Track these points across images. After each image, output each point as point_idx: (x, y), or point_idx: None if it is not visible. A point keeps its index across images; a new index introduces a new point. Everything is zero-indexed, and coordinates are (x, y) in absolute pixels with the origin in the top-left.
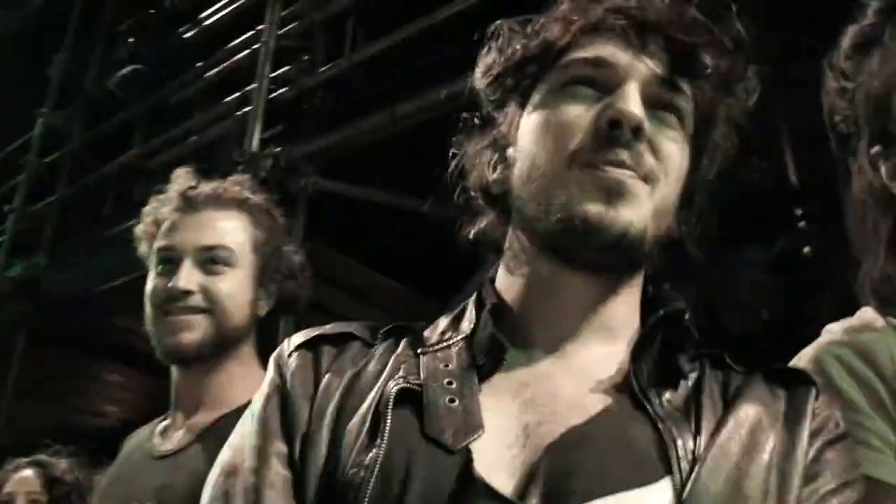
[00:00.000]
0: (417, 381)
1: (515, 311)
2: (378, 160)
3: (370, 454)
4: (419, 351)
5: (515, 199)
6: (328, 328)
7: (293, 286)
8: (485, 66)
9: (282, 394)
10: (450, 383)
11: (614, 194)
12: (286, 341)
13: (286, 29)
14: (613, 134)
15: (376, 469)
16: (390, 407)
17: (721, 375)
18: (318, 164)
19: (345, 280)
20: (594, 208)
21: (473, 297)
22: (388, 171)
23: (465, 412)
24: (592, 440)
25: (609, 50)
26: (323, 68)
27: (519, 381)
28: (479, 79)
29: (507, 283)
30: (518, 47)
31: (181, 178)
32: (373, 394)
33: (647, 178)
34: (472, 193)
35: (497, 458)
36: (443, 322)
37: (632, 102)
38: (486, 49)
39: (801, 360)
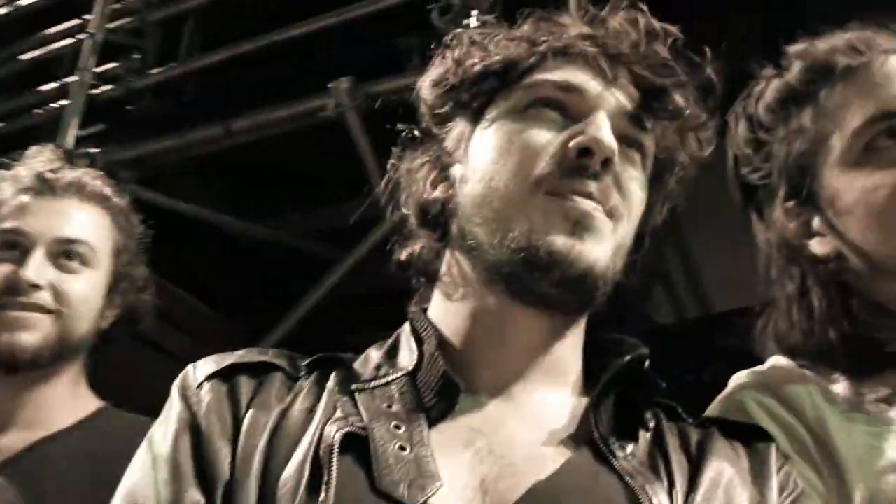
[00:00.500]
0: (361, 425)
1: (457, 347)
2: (202, 176)
3: None
4: (353, 387)
5: (464, 222)
6: (241, 355)
7: (141, 301)
8: (437, 75)
9: (194, 432)
10: (397, 427)
11: (581, 227)
12: (190, 369)
13: (117, 23)
14: (582, 163)
15: None
16: (335, 455)
17: (676, 427)
18: (137, 172)
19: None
20: (560, 240)
21: (408, 329)
22: (210, 188)
23: (417, 462)
24: (561, 497)
25: (579, 76)
26: (154, 70)
27: (469, 427)
28: (427, 88)
29: (444, 314)
30: (477, 60)
31: (41, 158)
32: (308, 437)
33: (612, 214)
34: (406, 212)
35: None
36: (374, 355)
37: (605, 132)
38: (440, 58)
39: (722, 405)
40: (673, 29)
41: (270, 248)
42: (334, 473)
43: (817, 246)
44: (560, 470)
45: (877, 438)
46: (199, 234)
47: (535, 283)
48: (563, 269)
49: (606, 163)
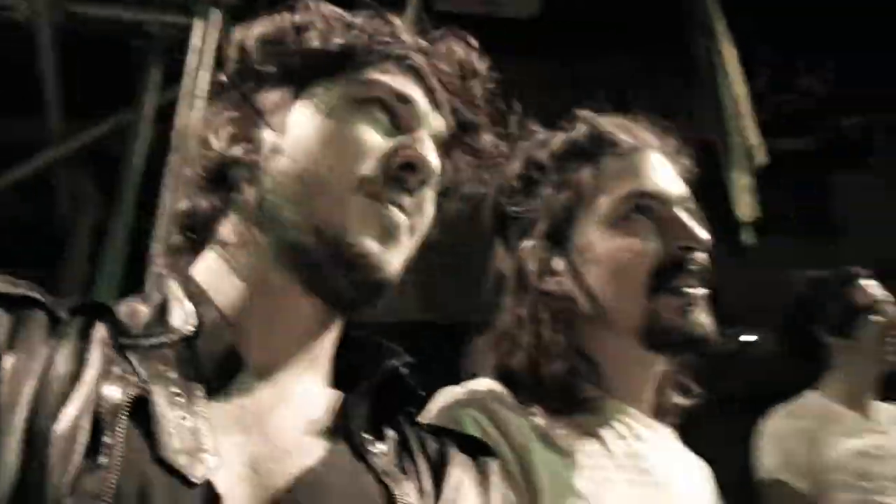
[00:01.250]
0: (143, 386)
1: (231, 319)
2: None
3: (93, 478)
4: (124, 342)
5: (267, 194)
6: None
7: None
8: (270, 32)
9: None
10: (177, 394)
11: (389, 237)
12: None
13: None
14: (403, 176)
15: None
16: (124, 417)
17: (416, 433)
18: None
19: None
20: (373, 246)
21: (175, 288)
22: None
23: (195, 434)
24: (327, 488)
25: (414, 90)
26: None
27: (238, 405)
28: (252, 38)
29: (219, 281)
30: (317, 35)
31: None
32: (82, 393)
33: (411, 229)
34: (194, 161)
35: (232, 493)
36: (142, 310)
37: (433, 154)
38: (276, 14)
39: (437, 418)
40: (494, 71)
41: None
42: (118, 437)
43: (554, 284)
44: (323, 460)
45: (566, 469)
46: None
47: (334, 279)
48: (366, 272)
49: (423, 183)
